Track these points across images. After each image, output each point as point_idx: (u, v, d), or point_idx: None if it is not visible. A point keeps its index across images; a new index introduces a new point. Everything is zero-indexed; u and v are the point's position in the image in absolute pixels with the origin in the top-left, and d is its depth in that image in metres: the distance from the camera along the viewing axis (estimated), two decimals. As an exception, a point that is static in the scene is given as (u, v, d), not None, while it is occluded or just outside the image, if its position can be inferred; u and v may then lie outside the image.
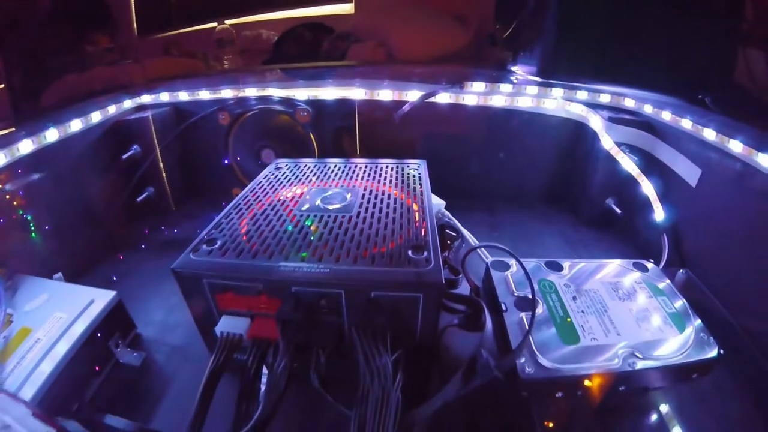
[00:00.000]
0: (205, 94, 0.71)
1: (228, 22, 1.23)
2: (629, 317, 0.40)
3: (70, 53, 1.06)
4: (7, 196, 0.52)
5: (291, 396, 0.32)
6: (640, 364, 0.36)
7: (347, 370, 0.32)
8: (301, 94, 0.71)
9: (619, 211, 0.69)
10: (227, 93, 0.71)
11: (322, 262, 0.35)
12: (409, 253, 0.36)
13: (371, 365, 0.30)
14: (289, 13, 1.32)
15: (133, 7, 1.28)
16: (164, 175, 0.71)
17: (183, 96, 0.71)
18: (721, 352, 0.37)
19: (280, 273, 0.34)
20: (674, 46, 0.54)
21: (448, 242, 0.54)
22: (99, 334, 0.45)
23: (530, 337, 0.35)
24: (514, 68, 0.78)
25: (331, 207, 0.44)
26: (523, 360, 0.34)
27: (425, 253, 0.36)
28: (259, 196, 0.48)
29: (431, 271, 0.34)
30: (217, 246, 0.38)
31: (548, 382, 0.34)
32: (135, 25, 1.26)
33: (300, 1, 1.31)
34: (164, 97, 0.72)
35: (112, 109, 0.66)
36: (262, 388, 0.33)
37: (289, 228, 0.40)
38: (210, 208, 0.51)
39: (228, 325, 0.35)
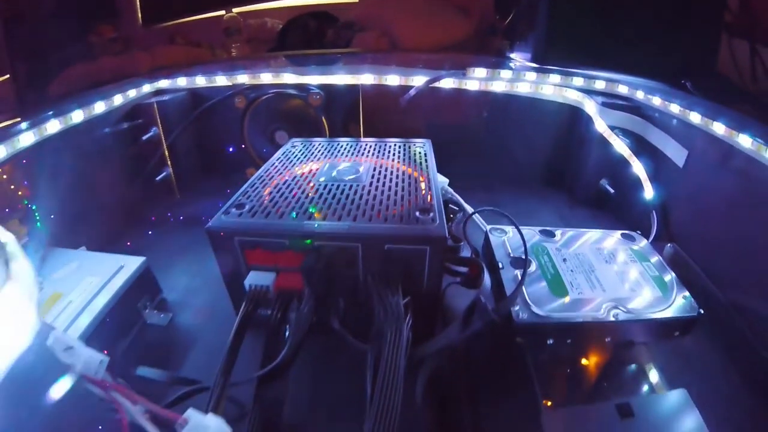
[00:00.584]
0: (221, 80, 0.76)
1: (233, 10, 1.27)
2: (614, 277, 0.45)
3: (75, 44, 1.10)
4: (30, 175, 0.56)
5: (311, 345, 0.38)
6: (624, 317, 0.41)
7: (362, 321, 0.38)
8: (313, 79, 0.76)
9: (612, 190, 0.74)
10: (242, 78, 0.76)
11: (341, 221, 0.40)
12: (417, 214, 0.41)
13: (385, 303, 0.35)
14: (293, 2, 1.36)
15: None
16: (181, 155, 0.76)
17: (200, 81, 0.77)
18: (701, 311, 0.43)
19: (304, 229, 0.39)
20: (660, 35, 0.59)
21: (451, 215, 0.59)
22: (129, 297, 0.49)
23: (523, 288, 0.41)
24: (512, 56, 0.83)
25: (346, 178, 0.50)
26: (517, 308, 0.40)
27: (431, 214, 0.41)
28: (279, 169, 0.53)
29: (436, 228, 0.39)
30: (246, 209, 0.43)
31: (539, 328, 0.39)
32: (139, 15, 1.31)
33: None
34: (181, 82, 0.77)
35: (132, 93, 0.71)
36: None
37: (310, 195, 0.46)
38: (226, 186, 0.56)
39: (255, 278, 0.41)
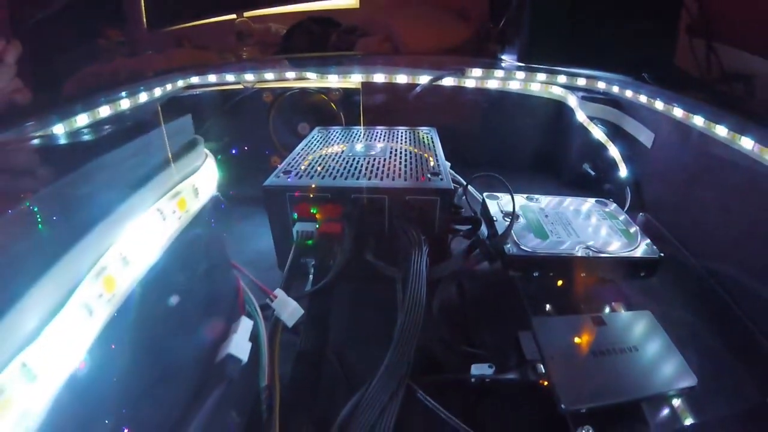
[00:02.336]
0: (249, 77, 0.91)
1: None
2: (588, 229, 0.61)
3: (83, 47, 1.25)
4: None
5: (347, 284, 0.51)
6: (595, 254, 0.56)
7: (387, 258, 0.52)
8: (331, 78, 0.92)
9: (593, 173, 0.90)
10: (268, 75, 0.91)
11: (371, 180, 0.55)
12: (428, 175, 0.56)
13: (408, 234, 0.50)
14: (296, 7, 1.51)
15: (142, 1, 1.49)
16: (212, 145, 0.91)
17: (229, 77, 0.92)
18: (662, 255, 0.57)
19: (344, 185, 0.54)
20: (623, 36, 0.76)
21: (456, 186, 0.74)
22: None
23: (512, 232, 0.56)
24: (503, 57, 1.00)
25: (369, 152, 0.65)
26: (508, 245, 0.54)
27: (440, 176, 0.56)
28: (313, 148, 0.69)
29: (444, 184, 0.54)
30: (292, 174, 0.58)
31: (525, 260, 0.54)
32: (144, 19, 1.47)
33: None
34: (211, 78, 0.92)
35: (168, 87, 0.86)
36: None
37: (342, 164, 0.61)
38: (253, 173, 0.70)
39: (302, 227, 0.55)
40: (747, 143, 0.59)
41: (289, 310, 0.41)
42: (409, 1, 1.26)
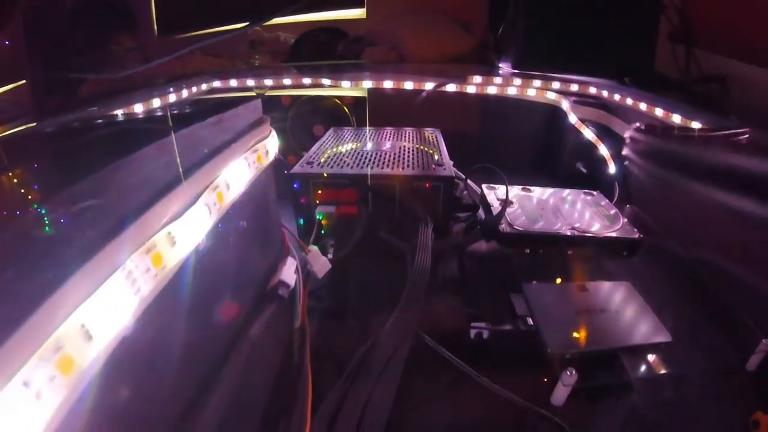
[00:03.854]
0: (268, 82, 1.03)
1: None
2: (574, 213, 0.72)
3: (96, 52, 1.37)
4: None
5: (362, 258, 0.62)
6: (579, 234, 0.67)
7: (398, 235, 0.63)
8: (345, 84, 1.04)
9: (585, 171, 1.01)
10: (287, 81, 1.03)
11: (383, 170, 0.66)
12: (433, 166, 0.68)
13: (416, 212, 0.61)
14: (304, 18, 1.64)
15: (153, 10, 1.62)
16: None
17: (249, 82, 1.04)
18: (641, 236, 0.68)
19: (359, 173, 0.65)
20: (606, 45, 0.88)
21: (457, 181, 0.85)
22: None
23: (506, 214, 0.67)
24: (500, 65, 1.12)
25: (380, 149, 0.76)
26: (502, 225, 0.65)
27: (443, 166, 0.68)
28: (330, 145, 0.80)
29: (447, 172, 0.66)
30: (314, 164, 0.69)
31: (517, 237, 0.65)
32: (155, 26, 1.60)
33: (315, 6, 1.63)
34: (233, 83, 1.04)
35: (194, 89, 0.98)
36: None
37: (358, 157, 0.72)
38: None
39: (324, 209, 0.66)
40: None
41: (320, 263, 0.52)
42: (415, 13, 1.38)
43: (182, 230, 0.29)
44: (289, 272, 0.46)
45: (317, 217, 0.66)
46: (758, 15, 0.79)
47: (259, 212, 0.48)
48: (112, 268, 0.23)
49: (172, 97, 0.93)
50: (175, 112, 0.83)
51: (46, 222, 0.22)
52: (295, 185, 0.67)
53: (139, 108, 0.82)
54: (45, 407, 0.20)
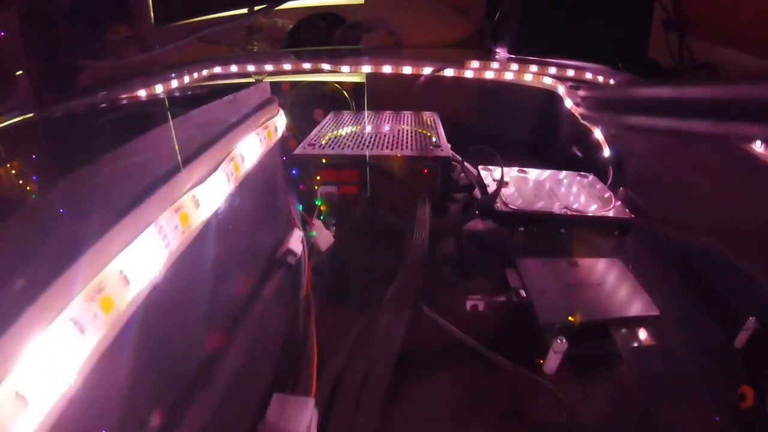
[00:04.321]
0: (268, 67, 1.06)
1: (243, 10, 1.58)
2: (568, 194, 0.75)
3: (92, 42, 1.38)
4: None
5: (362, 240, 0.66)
6: (572, 213, 0.70)
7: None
8: (344, 68, 1.07)
9: (580, 154, 1.04)
10: (287, 66, 1.06)
11: (382, 151, 0.70)
12: (431, 147, 0.71)
13: (414, 190, 0.64)
14: (302, 3, 1.65)
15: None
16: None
17: (249, 68, 1.06)
18: (632, 216, 0.71)
19: (360, 154, 0.69)
20: (601, 30, 0.91)
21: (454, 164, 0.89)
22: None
23: (502, 194, 0.70)
24: (496, 50, 1.15)
25: (379, 131, 0.79)
26: (498, 204, 0.69)
27: (441, 148, 0.71)
28: (330, 128, 0.83)
29: (444, 153, 0.69)
30: (316, 146, 0.72)
31: (512, 216, 0.68)
32: (152, 14, 1.61)
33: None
34: (233, 68, 1.07)
35: (195, 75, 1.01)
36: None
37: (358, 139, 0.75)
38: None
39: (325, 189, 0.70)
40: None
41: (324, 236, 0.55)
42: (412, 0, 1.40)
43: (205, 194, 0.33)
44: (296, 242, 0.50)
45: (316, 203, 0.69)
46: (748, 3, 0.82)
47: (269, 184, 0.52)
48: (147, 222, 0.26)
49: (174, 83, 0.95)
50: (192, 93, 0.87)
51: (93, 182, 0.25)
52: (294, 171, 0.70)
53: (144, 93, 0.85)
54: (87, 342, 0.23)
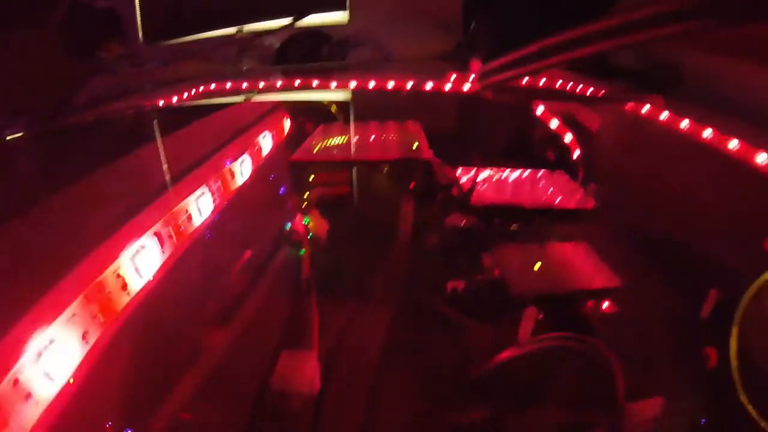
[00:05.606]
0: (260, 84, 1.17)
1: (231, 29, 1.70)
2: (539, 190, 0.86)
3: (85, 60, 1.49)
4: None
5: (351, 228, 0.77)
6: (542, 204, 0.81)
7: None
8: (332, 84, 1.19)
9: (553, 157, 1.17)
10: (279, 83, 1.18)
11: (370, 155, 0.81)
12: (413, 149, 0.82)
13: (398, 188, 0.75)
14: (288, 22, 1.76)
15: (138, 17, 1.74)
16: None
17: (242, 85, 1.18)
18: (596, 204, 0.83)
19: (350, 157, 0.80)
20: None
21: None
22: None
23: (477, 189, 0.81)
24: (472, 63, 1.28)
25: (367, 140, 0.91)
26: (474, 198, 0.80)
27: (422, 151, 0.82)
28: (322, 138, 0.95)
29: (426, 155, 0.81)
30: (310, 152, 0.83)
31: (488, 209, 0.80)
32: (140, 33, 1.72)
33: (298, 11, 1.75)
34: (227, 85, 1.18)
35: (193, 92, 1.12)
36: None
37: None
38: None
39: (320, 190, 0.80)
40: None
41: (320, 224, 0.66)
42: (396, 16, 1.53)
43: (234, 174, 0.44)
44: (299, 224, 0.61)
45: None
46: None
47: (278, 173, 0.62)
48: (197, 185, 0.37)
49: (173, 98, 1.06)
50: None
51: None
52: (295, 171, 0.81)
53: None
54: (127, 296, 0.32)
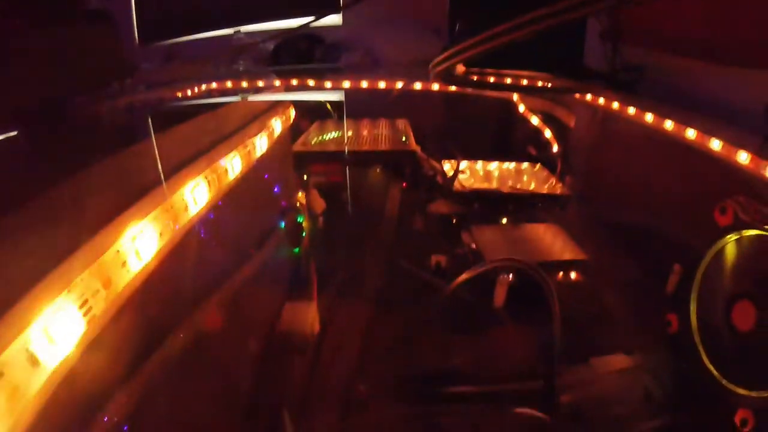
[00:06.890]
0: (260, 82, 1.28)
1: (225, 31, 1.80)
2: (517, 179, 0.97)
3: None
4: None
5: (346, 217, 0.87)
6: (518, 191, 0.92)
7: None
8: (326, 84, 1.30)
9: (534, 152, 1.28)
10: (276, 83, 1.28)
11: (362, 147, 0.92)
12: (402, 142, 0.93)
13: (387, 176, 0.86)
14: (282, 24, 1.87)
15: (134, 18, 1.84)
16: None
17: (239, 84, 1.28)
18: (570, 193, 0.93)
19: (344, 150, 0.90)
20: (543, 45, 1.16)
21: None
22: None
23: (459, 178, 0.92)
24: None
25: (359, 134, 1.02)
26: (456, 185, 0.90)
27: (410, 145, 0.93)
28: (317, 134, 1.05)
29: (413, 147, 0.91)
30: (307, 145, 0.94)
31: (468, 194, 0.90)
32: (136, 34, 1.82)
33: (292, 13, 1.85)
34: (228, 84, 1.29)
35: (197, 90, 1.22)
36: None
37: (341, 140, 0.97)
38: None
39: (317, 177, 0.91)
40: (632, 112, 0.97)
41: (318, 202, 0.77)
42: (387, 20, 1.65)
43: (236, 162, 0.54)
44: (300, 198, 0.71)
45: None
46: (670, 7, 1.05)
47: (282, 157, 0.73)
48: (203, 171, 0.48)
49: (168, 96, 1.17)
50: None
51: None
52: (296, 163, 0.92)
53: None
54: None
